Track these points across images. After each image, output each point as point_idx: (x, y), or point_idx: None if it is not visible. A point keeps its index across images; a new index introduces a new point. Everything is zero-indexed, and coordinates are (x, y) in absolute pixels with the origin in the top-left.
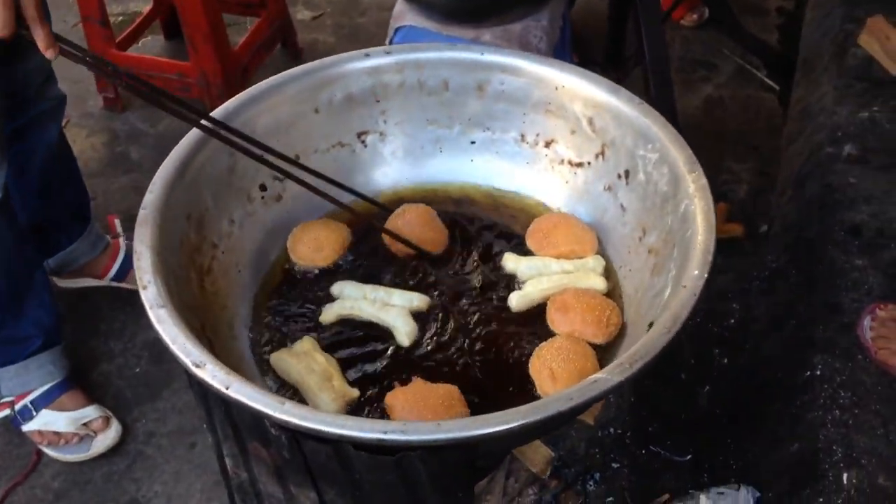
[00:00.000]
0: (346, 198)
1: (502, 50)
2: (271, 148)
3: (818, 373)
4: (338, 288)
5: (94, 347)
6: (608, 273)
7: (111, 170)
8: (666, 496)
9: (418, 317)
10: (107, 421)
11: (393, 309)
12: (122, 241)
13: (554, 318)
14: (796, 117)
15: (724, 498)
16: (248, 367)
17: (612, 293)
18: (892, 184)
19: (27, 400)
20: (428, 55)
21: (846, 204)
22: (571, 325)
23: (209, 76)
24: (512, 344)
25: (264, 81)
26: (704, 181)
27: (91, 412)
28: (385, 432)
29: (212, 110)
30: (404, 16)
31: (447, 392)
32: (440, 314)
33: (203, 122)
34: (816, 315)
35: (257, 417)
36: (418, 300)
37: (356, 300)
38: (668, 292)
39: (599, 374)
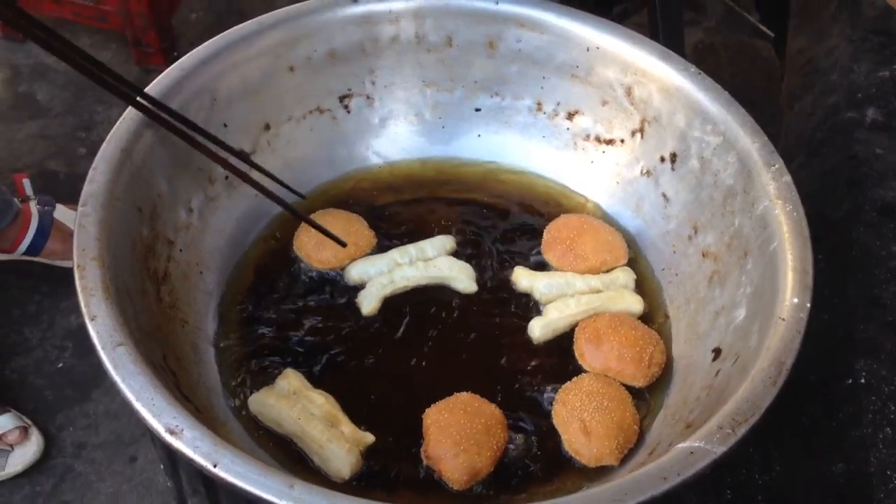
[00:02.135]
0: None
1: (522, 0)
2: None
3: (862, 381)
4: (358, 271)
5: (5, 337)
6: (641, 278)
7: (14, 114)
8: None
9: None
10: (25, 432)
11: (439, 260)
12: (33, 205)
13: (584, 351)
14: (799, 71)
15: None
16: (219, 404)
17: (651, 303)
18: None
19: None
20: (431, 3)
21: (875, 179)
22: (605, 362)
23: (131, 3)
24: (531, 381)
25: (228, 32)
26: (788, 178)
27: (5, 422)
28: None
29: (136, 44)
30: None
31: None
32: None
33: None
34: (853, 310)
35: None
36: (448, 242)
37: (391, 271)
38: (743, 315)
39: (695, 444)
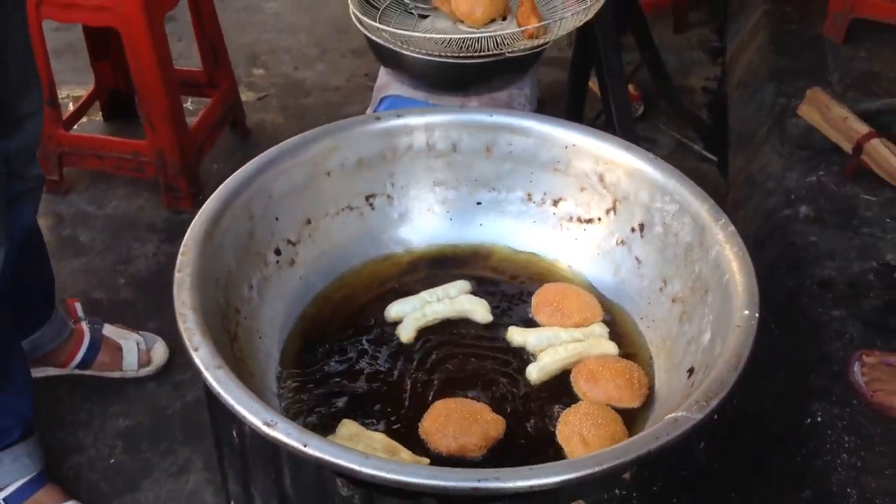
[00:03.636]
0: (361, 258)
1: (511, 112)
2: None
3: (819, 420)
4: (395, 310)
5: (62, 439)
6: (625, 328)
7: (59, 253)
8: None
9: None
10: None
11: (460, 298)
12: (84, 325)
13: (585, 390)
14: (740, 186)
15: None
16: None
17: (635, 347)
18: (849, 241)
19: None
20: (438, 118)
21: (812, 261)
22: (606, 393)
23: (166, 154)
24: (534, 413)
25: (280, 145)
26: (733, 228)
27: None
28: (479, 480)
29: (168, 190)
30: (389, 86)
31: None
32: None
33: None
34: (806, 365)
35: (321, 482)
36: (466, 285)
37: (423, 307)
38: (709, 337)
39: (678, 413)
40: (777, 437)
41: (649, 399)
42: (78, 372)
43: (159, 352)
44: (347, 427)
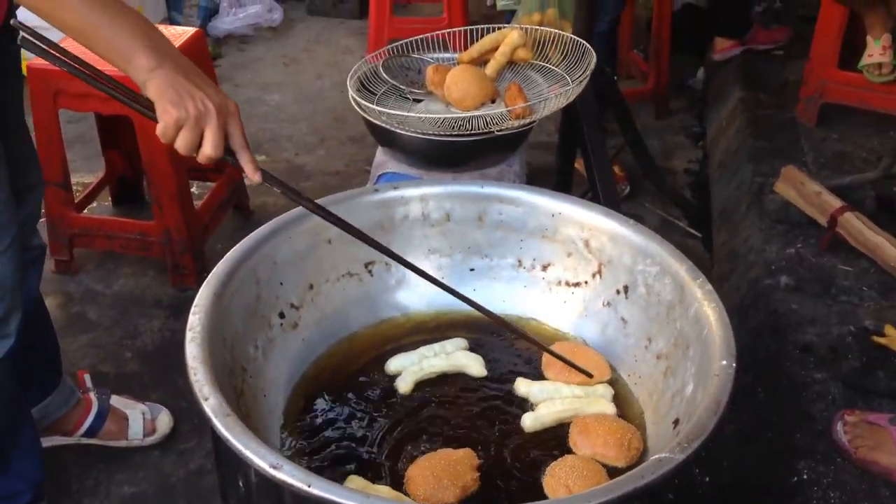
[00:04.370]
0: (360, 321)
1: (501, 183)
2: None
3: (805, 477)
4: (395, 364)
5: None
6: (617, 385)
7: (68, 330)
8: None
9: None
10: None
11: (456, 354)
12: (93, 395)
13: (577, 440)
14: (724, 259)
15: None
16: None
17: (625, 404)
18: (828, 308)
19: None
20: (432, 189)
21: (794, 327)
22: (593, 448)
23: (173, 233)
24: (524, 464)
25: (284, 215)
26: (710, 286)
27: None
28: None
29: (174, 267)
30: (386, 164)
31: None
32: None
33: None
34: (791, 425)
35: None
36: (462, 342)
37: (421, 361)
38: (692, 388)
39: (663, 454)
40: (766, 494)
41: (638, 463)
42: (85, 440)
43: (164, 421)
44: (354, 482)
